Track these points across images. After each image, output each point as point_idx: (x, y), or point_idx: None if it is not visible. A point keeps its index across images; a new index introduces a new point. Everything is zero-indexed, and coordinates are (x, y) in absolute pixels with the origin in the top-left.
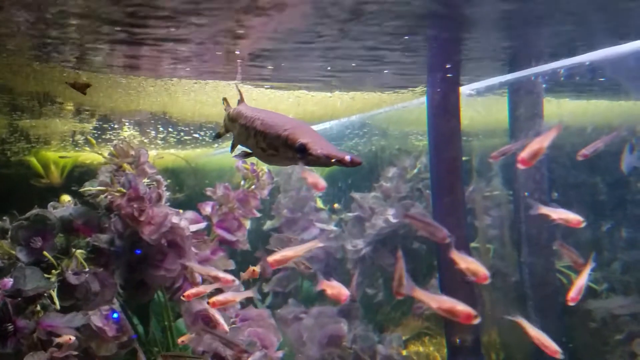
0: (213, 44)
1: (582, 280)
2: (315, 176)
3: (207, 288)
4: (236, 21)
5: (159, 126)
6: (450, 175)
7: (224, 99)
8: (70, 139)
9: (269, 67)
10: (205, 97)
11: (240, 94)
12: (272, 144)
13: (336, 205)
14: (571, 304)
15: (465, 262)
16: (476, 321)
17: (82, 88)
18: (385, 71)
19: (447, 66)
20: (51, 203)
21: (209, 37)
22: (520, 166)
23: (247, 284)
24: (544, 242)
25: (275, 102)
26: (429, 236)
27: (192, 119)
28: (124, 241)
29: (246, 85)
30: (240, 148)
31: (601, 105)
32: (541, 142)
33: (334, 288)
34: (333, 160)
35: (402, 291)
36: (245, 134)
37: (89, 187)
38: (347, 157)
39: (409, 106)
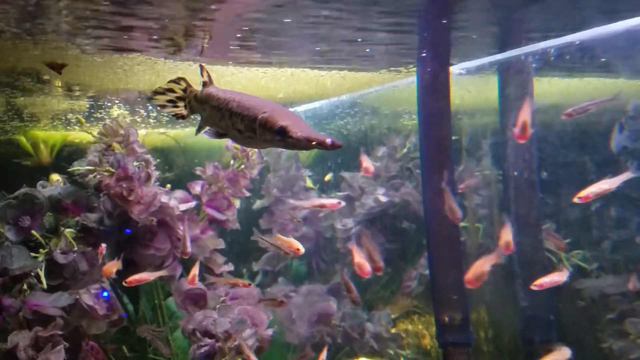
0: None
1: (551, 280)
2: (368, 160)
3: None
4: None
5: (148, 105)
6: (440, 155)
7: (183, 79)
8: (63, 118)
9: (256, 43)
10: (192, 75)
11: (209, 76)
12: (250, 126)
13: (327, 178)
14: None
15: (506, 234)
16: None
17: (59, 68)
18: (375, 50)
19: (437, 45)
20: (40, 182)
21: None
22: (520, 141)
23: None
24: (532, 222)
25: (265, 81)
26: (448, 213)
27: None
28: (113, 220)
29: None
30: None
31: (591, 84)
32: (523, 116)
33: (361, 259)
34: (313, 143)
35: (380, 265)
36: (219, 116)
37: (78, 167)
38: (328, 140)
39: (399, 85)
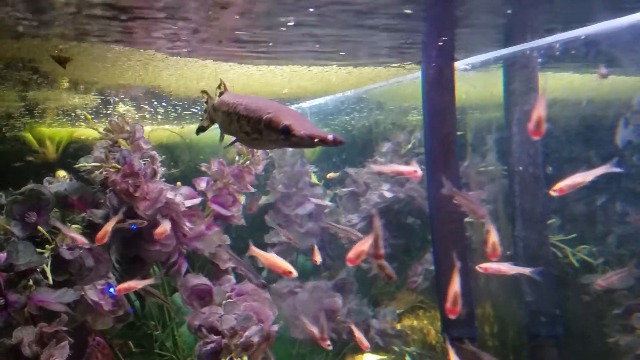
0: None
1: (497, 267)
2: (416, 164)
3: None
4: None
5: (153, 101)
6: (445, 150)
7: (204, 92)
8: (72, 114)
9: (259, 42)
10: (183, 71)
11: (224, 84)
12: (256, 128)
13: (330, 176)
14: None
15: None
16: None
17: (64, 62)
18: (380, 45)
19: (442, 41)
20: (46, 178)
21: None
22: (535, 138)
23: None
24: (537, 217)
25: (267, 77)
26: (469, 212)
27: (186, 94)
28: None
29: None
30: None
31: (596, 79)
32: (538, 111)
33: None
34: (316, 141)
35: (382, 253)
36: (229, 120)
37: (84, 163)
38: (330, 137)
39: (404, 81)
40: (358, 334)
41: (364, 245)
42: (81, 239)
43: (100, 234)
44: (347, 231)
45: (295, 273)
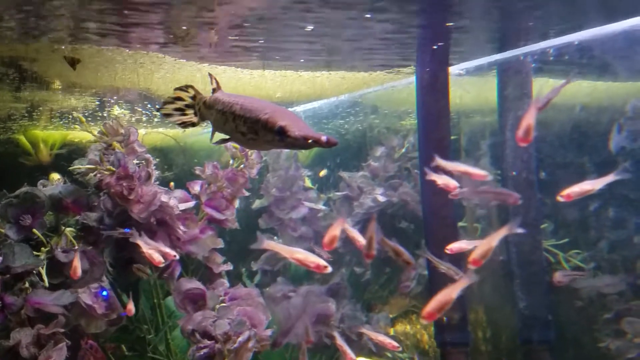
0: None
1: (459, 246)
2: (446, 178)
3: None
4: None
5: (147, 104)
6: (439, 155)
7: (191, 86)
8: (69, 116)
9: (253, 44)
10: (179, 75)
11: (216, 82)
12: (252, 128)
13: (322, 173)
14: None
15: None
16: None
17: (76, 63)
18: (374, 50)
19: (436, 46)
20: (41, 181)
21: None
22: (522, 145)
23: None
24: (531, 222)
25: (260, 81)
26: (501, 202)
27: None
28: (113, 219)
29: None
30: (218, 135)
31: (590, 85)
32: (529, 119)
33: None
34: (310, 141)
35: (372, 253)
36: (223, 119)
37: (79, 166)
38: (323, 138)
39: (399, 85)
40: (374, 336)
41: (336, 229)
42: (170, 253)
43: (72, 270)
44: (449, 268)
45: (330, 268)
